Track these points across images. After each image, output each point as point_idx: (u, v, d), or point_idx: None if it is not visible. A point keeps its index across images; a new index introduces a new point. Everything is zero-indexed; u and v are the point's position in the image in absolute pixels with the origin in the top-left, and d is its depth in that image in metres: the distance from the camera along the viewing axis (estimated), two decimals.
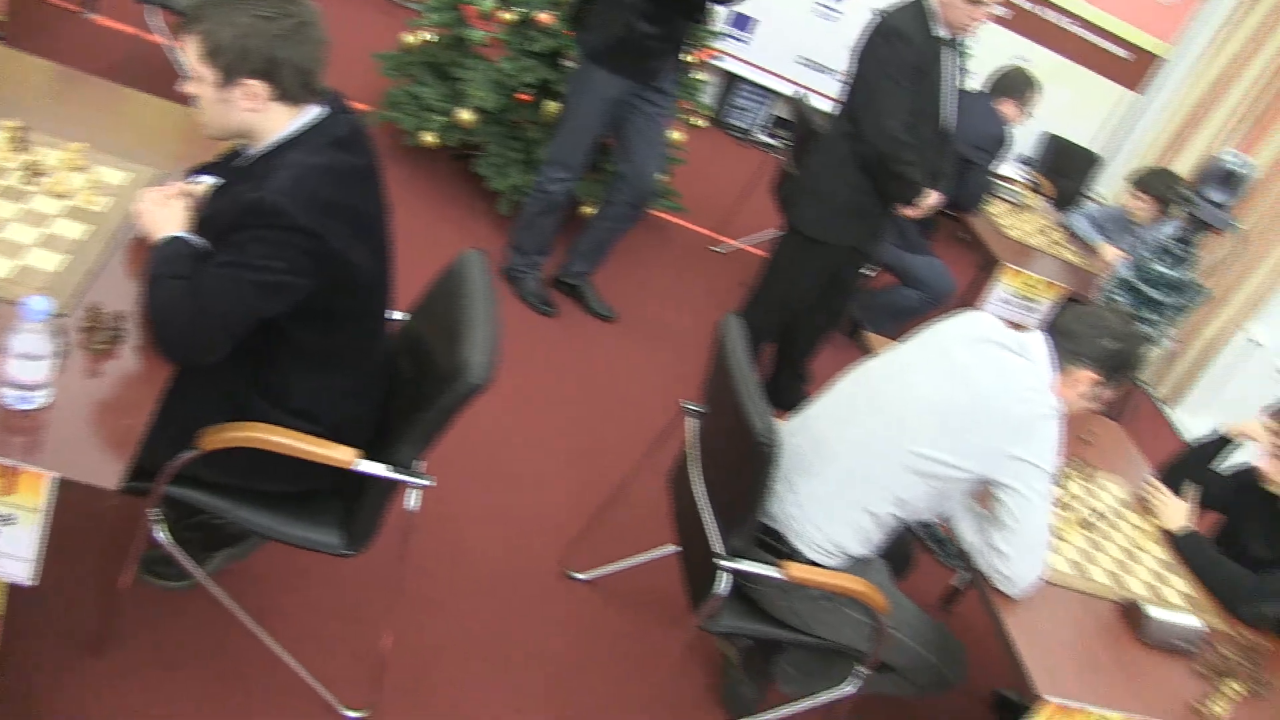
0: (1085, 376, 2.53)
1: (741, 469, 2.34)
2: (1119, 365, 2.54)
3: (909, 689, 2.74)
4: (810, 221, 3.91)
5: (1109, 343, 2.50)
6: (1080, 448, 3.35)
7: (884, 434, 2.46)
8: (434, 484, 2.17)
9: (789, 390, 4.26)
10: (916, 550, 3.02)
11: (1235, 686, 2.48)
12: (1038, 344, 2.54)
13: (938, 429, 2.43)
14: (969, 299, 4.93)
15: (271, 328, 2.04)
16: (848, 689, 2.65)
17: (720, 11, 5.57)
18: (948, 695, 2.78)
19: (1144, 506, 3.18)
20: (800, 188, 3.97)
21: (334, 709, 2.52)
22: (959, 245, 6.68)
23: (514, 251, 4.36)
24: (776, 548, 2.53)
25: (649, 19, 3.80)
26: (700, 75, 5.29)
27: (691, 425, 2.78)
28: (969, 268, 5.21)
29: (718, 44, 5.85)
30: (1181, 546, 3.04)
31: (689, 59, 4.86)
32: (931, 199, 3.87)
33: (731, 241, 5.75)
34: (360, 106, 4.91)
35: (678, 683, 3.01)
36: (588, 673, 2.92)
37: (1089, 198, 7.42)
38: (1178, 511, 3.10)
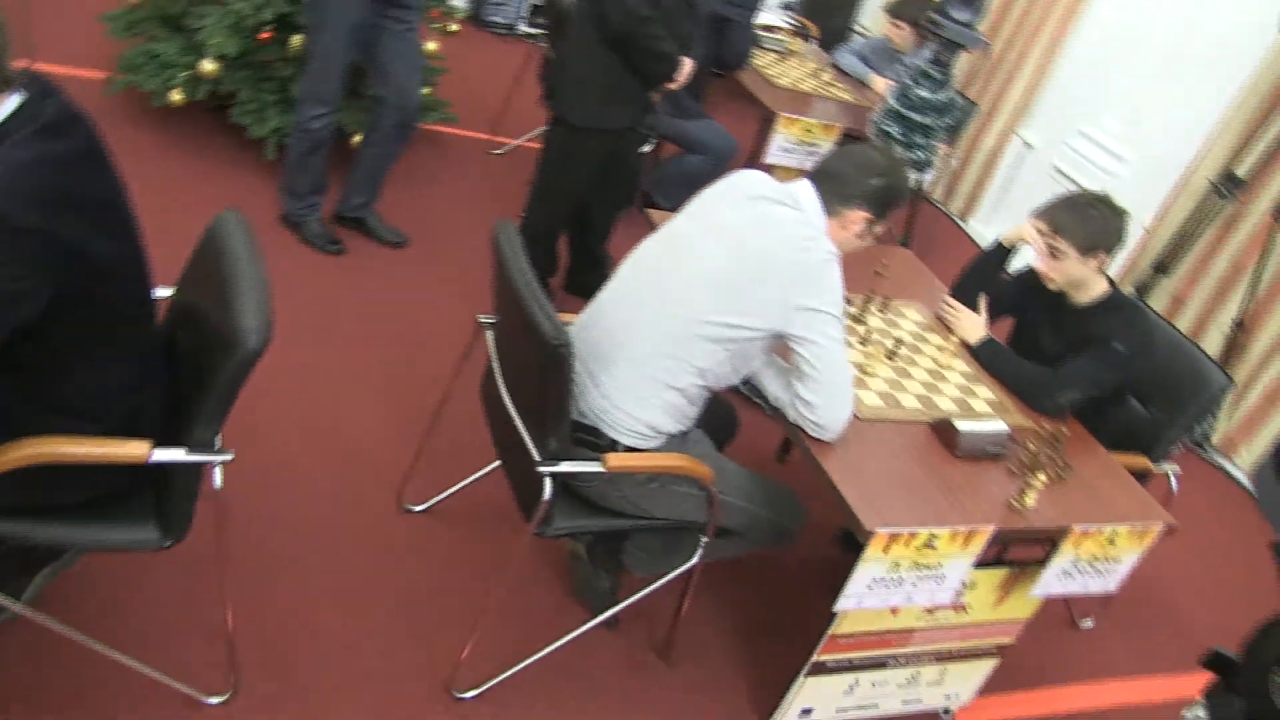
0: (857, 217, 2.58)
1: (541, 374, 2.35)
2: (887, 200, 2.59)
3: (754, 546, 2.82)
4: (573, 110, 3.88)
5: (876, 180, 2.55)
6: (876, 282, 3.42)
7: (671, 310, 2.48)
8: (232, 458, 2.11)
9: (591, 277, 4.26)
10: (738, 410, 3.07)
11: (1041, 478, 2.59)
12: (806, 192, 2.57)
13: (722, 294, 2.44)
14: (756, 153, 4.97)
15: (31, 334, 1.91)
16: (694, 561, 2.71)
17: None
18: (801, 540, 2.88)
19: (944, 326, 3.30)
20: (559, 76, 3.92)
21: (197, 700, 2.48)
22: (740, 100, 6.71)
23: (289, 196, 4.24)
24: (595, 442, 2.55)
25: None
26: None
27: (489, 338, 2.77)
28: (753, 121, 5.24)
29: None
30: (980, 356, 3.17)
31: None
32: (687, 67, 3.85)
33: (509, 141, 5.69)
34: (95, 75, 4.67)
35: (534, 589, 3.05)
36: (446, 599, 2.92)
37: (855, 32, 7.50)
38: (973, 324, 3.23)
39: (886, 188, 2.56)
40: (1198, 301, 5.30)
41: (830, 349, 2.48)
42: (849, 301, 3.14)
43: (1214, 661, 1.80)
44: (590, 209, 4.22)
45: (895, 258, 3.70)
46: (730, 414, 3.07)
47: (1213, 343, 5.19)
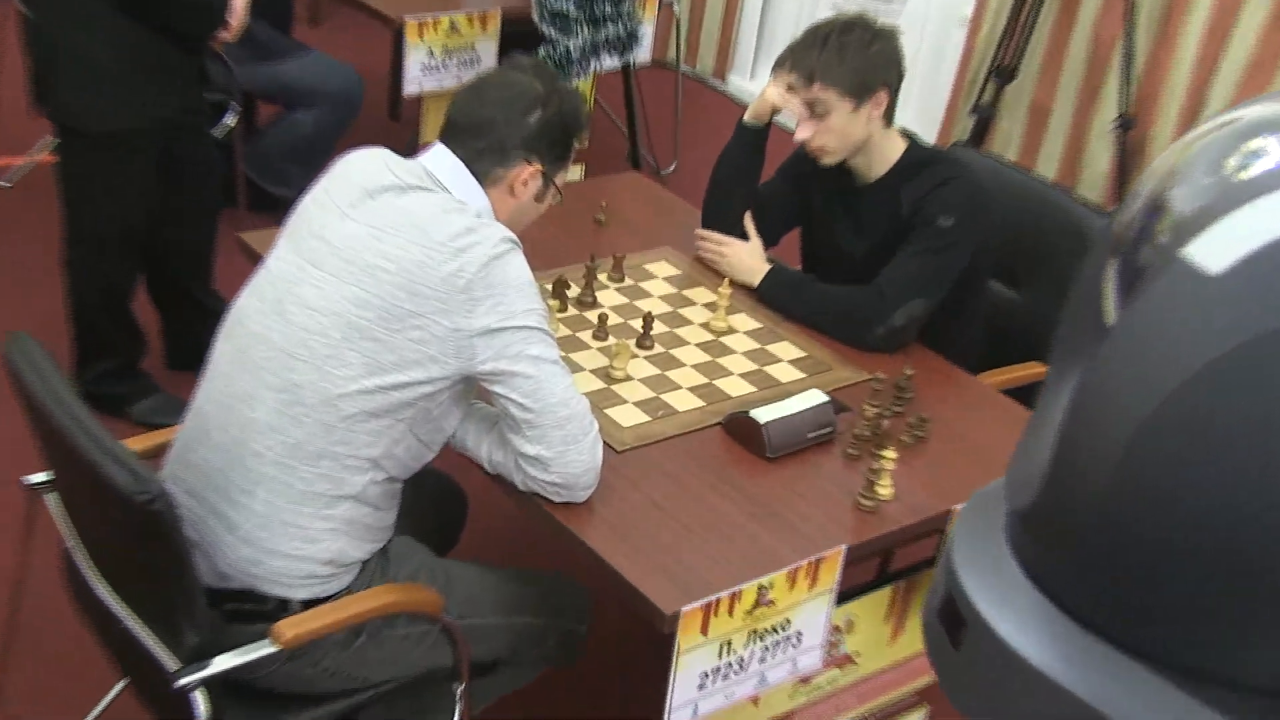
0: (526, 174, 2.61)
1: (138, 545, 2.30)
2: (561, 136, 2.64)
3: (534, 669, 2.88)
4: (73, 109, 3.78)
5: (534, 116, 2.59)
6: (596, 237, 3.46)
7: (297, 391, 2.46)
8: None
9: (202, 338, 4.11)
10: (460, 474, 3.06)
11: (891, 453, 2.64)
12: (444, 162, 2.58)
13: (362, 348, 2.44)
14: (396, 87, 4.92)
15: None
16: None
17: None
18: (601, 630, 2.90)
19: (711, 272, 3.38)
20: (47, 57, 3.73)
21: None
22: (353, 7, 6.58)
23: None
24: (256, 610, 2.53)
25: None
26: None
27: (55, 505, 2.68)
28: (381, 36, 5.17)
29: None
30: (768, 297, 3.26)
31: None
32: (238, 3, 3.83)
33: (15, 161, 5.36)
34: None
35: None
36: None
37: None
38: (746, 255, 3.32)
39: (553, 120, 2.61)
40: (1065, 102, 5.54)
41: (542, 376, 2.49)
42: (560, 290, 3.18)
43: None
44: (162, 239, 4.08)
45: (615, 189, 3.71)
46: (448, 490, 3.09)
47: (1100, 159, 5.43)
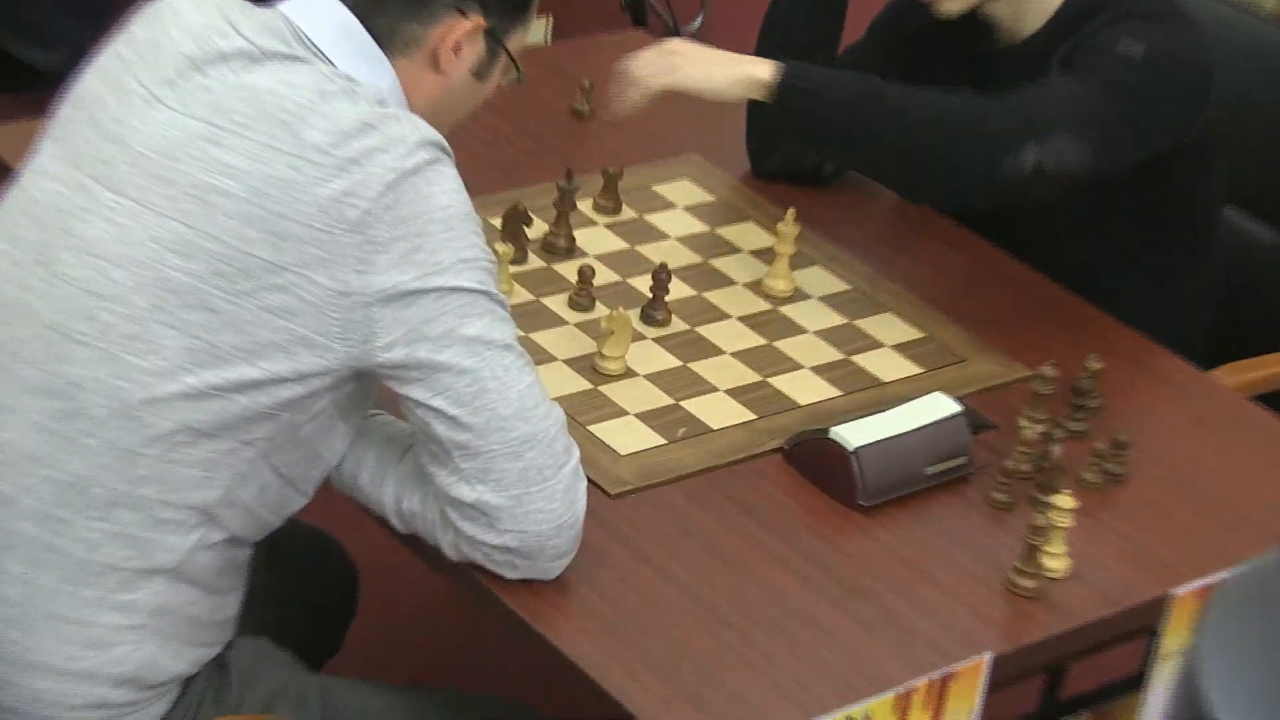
0: (460, 31, 2.23)
1: None
2: None
3: None
4: None
5: None
6: (571, 146, 3.14)
7: (69, 402, 2.15)
8: None
9: None
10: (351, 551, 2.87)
11: (1066, 499, 2.28)
12: (321, 13, 2.22)
13: (183, 327, 2.11)
14: None
15: None
16: None
17: None
18: None
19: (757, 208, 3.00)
20: None
21: None
22: None
23: None
24: None
25: None
26: None
27: None
28: None
29: None
30: (790, 104, 2.78)
31: None
32: None
33: None
34: None
35: None
36: None
37: None
38: (718, 55, 2.88)
39: None
40: None
41: (487, 371, 2.15)
42: (515, 227, 2.85)
43: None
44: None
45: (607, 64, 3.23)
46: (328, 558, 2.85)
47: None
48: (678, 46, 2.90)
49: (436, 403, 2.11)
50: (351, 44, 2.22)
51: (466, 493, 2.13)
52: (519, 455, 2.14)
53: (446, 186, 2.13)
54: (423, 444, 2.21)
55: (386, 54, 2.23)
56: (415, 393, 2.13)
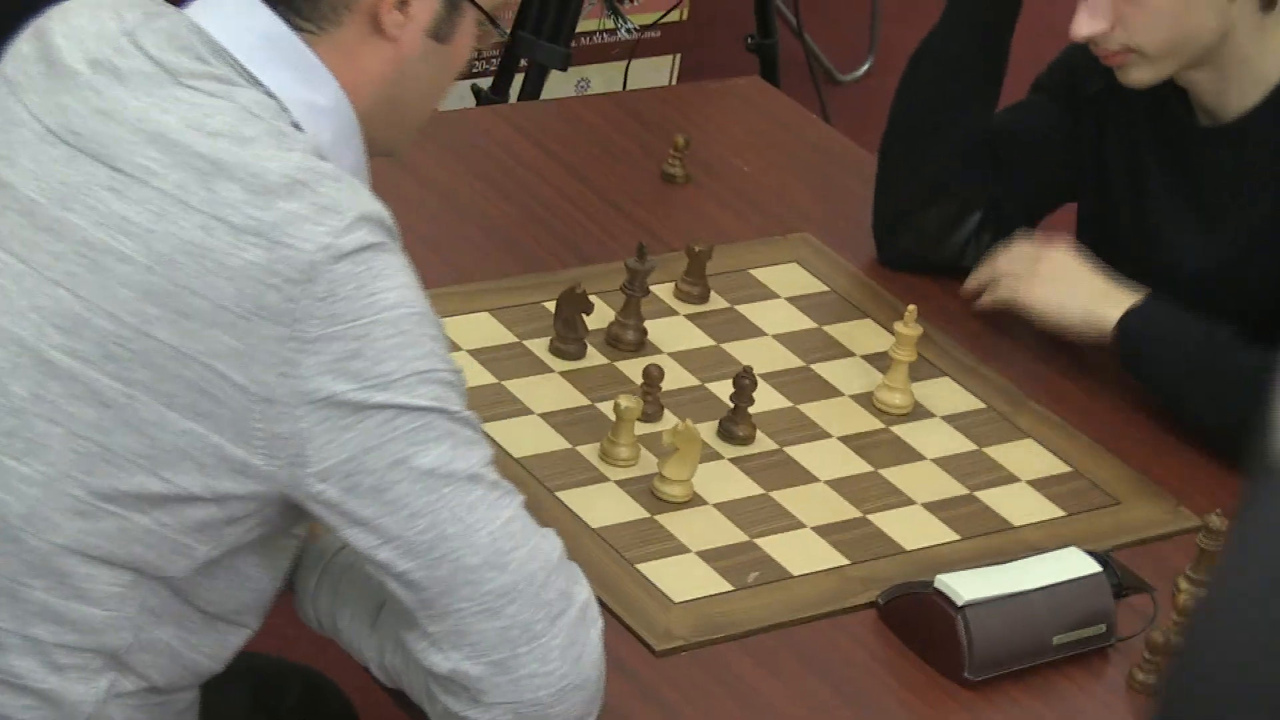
0: (425, 7, 1.96)
1: None
2: None
3: None
4: None
5: None
6: (653, 215, 2.87)
7: None
8: None
9: None
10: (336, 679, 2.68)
11: None
12: (235, 19, 1.94)
13: (70, 424, 1.86)
14: None
15: None
16: None
17: None
18: None
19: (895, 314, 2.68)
20: None
21: None
22: None
23: None
24: None
25: None
26: None
27: None
28: None
29: None
30: (1136, 352, 2.57)
31: None
32: None
33: None
34: None
35: None
36: None
37: None
38: (1082, 273, 2.65)
39: None
40: None
41: (447, 513, 1.84)
42: (571, 312, 2.54)
43: None
44: None
45: (715, 115, 3.15)
46: (325, 698, 2.60)
47: None
48: (1048, 257, 2.67)
49: (383, 555, 1.84)
50: (279, 52, 1.93)
51: (440, 662, 1.86)
52: (497, 613, 1.85)
53: (395, 279, 1.84)
54: (389, 598, 1.97)
55: (318, 30, 1.92)
56: (359, 540, 1.85)
